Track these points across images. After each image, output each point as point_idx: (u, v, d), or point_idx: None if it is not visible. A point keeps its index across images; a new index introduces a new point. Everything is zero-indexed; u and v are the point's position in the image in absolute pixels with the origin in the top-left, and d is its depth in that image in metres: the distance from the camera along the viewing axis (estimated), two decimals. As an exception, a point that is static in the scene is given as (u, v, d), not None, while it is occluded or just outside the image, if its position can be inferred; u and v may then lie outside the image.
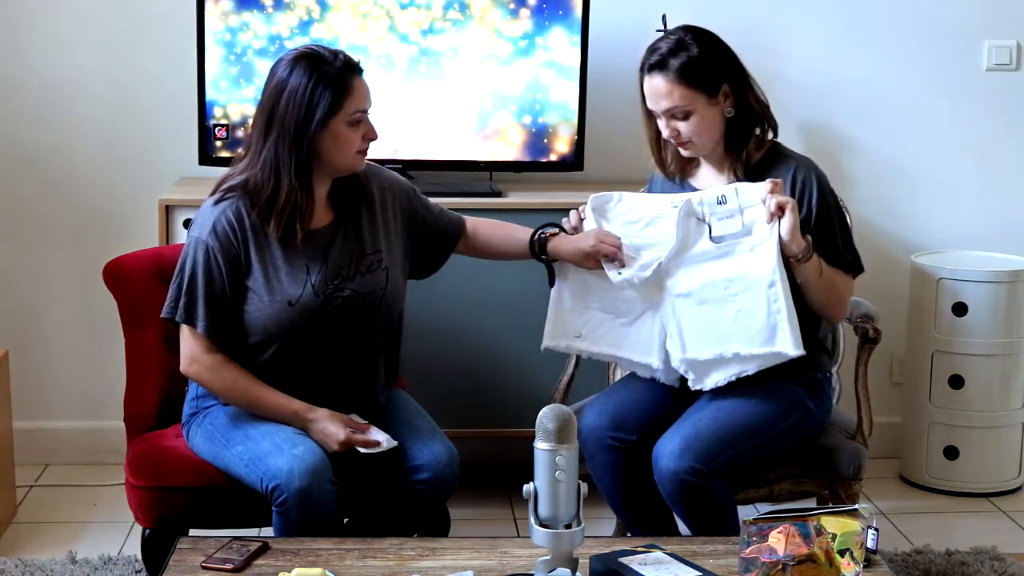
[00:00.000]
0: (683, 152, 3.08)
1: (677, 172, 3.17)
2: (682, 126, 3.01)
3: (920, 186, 4.39)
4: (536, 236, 3.13)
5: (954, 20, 4.31)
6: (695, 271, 3.01)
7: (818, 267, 2.97)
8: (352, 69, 2.92)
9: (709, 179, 3.12)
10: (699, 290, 3.00)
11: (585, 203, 3.13)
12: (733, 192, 2.98)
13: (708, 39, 3.04)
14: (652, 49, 3.03)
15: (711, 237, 2.99)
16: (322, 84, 2.87)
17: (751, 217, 2.96)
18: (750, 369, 2.97)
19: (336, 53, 2.93)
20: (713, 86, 3.01)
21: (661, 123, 3.05)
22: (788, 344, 2.92)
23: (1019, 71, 4.35)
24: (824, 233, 3.02)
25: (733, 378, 2.99)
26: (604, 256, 3.04)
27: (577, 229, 3.12)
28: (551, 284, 3.16)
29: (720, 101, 3.02)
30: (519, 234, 3.19)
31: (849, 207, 3.12)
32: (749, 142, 3.06)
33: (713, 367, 3.00)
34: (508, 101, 3.99)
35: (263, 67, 3.82)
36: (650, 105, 3.04)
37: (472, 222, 3.23)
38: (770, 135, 3.11)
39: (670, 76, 2.99)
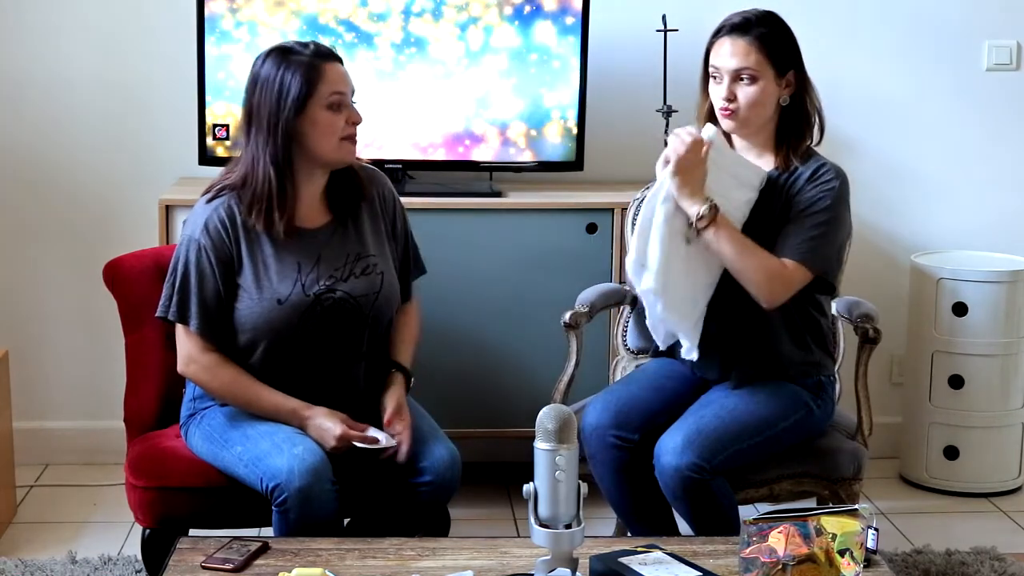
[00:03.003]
0: (724, 123, 3.06)
1: None
2: (742, 91, 3.02)
3: (920, 186, 4.39)
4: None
5: (954, 20, 4.31)
6: None
7: (712, 240, 2.95)
8: (324, 55, 2.92)
9: None
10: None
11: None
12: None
13: (788, 28, 3.08)
14: (737, 15, 3.06)
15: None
16: (291, 70, 2.88)
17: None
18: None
19: (307, 43, 2.94)
20: (783, 66, 3.04)
21: (719, 87, 3.04)
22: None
23: (1019, 71, 4.35)
24: (802, 221, 3.01)
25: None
26: None
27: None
28: None
29: (781, 85, 3.05)
30: (395, 348, 3.10)
31: (849, 207, 3.12)
32: (799, 140, 3.08)
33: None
34: (508, 101, 3.99)
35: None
36: (719, 63, 3.04)
37: (409, 306, 3.16)
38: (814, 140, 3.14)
39: (751, 39, 3.02)
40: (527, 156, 4.01)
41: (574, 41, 3.95)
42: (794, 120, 3.08)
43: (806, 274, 3.02)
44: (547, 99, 3.98)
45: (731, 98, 3.03)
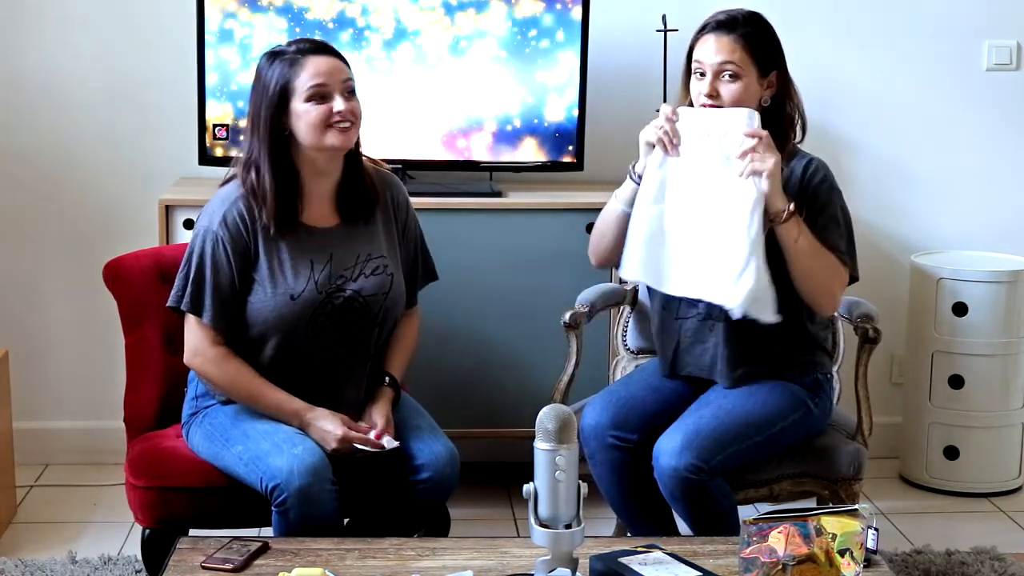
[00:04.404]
0: None
1: None
2: (725, 89, 3.01)
3: (920, 186, 4.39)
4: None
5: (954, 20, 4.31)
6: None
7: (795, 234, 2.93)
8: (308, 49, 2.92)
9: None
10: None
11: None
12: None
13: (773, 29, 3.08)
14: (723, 12, 3.05)
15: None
16: (274, 69, 2.92)
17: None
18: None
19: (301, 40, 2.96)
20: (766, 66, 3.03)
21: (702, 83, 3.03)
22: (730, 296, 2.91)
23: (1019, 71, 4.36)
24: (825, 224, 3.01)
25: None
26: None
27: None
28: None
29: (764, 85, 3.04)
30: (390, 357, 3.11)
31: (849, 207, 3.12)
32: (783, 141, 3.06)
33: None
34: (507, 101, 3.99)
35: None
36: (703, 58, 3.02)
37: (412, 313, 3.19)
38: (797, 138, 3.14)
39: (736, 37, 3.00)
40: (527, 156, 4.00)
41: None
42: (774, 122, 3.06)
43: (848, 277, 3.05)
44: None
45: (713, 94, 3.02)
